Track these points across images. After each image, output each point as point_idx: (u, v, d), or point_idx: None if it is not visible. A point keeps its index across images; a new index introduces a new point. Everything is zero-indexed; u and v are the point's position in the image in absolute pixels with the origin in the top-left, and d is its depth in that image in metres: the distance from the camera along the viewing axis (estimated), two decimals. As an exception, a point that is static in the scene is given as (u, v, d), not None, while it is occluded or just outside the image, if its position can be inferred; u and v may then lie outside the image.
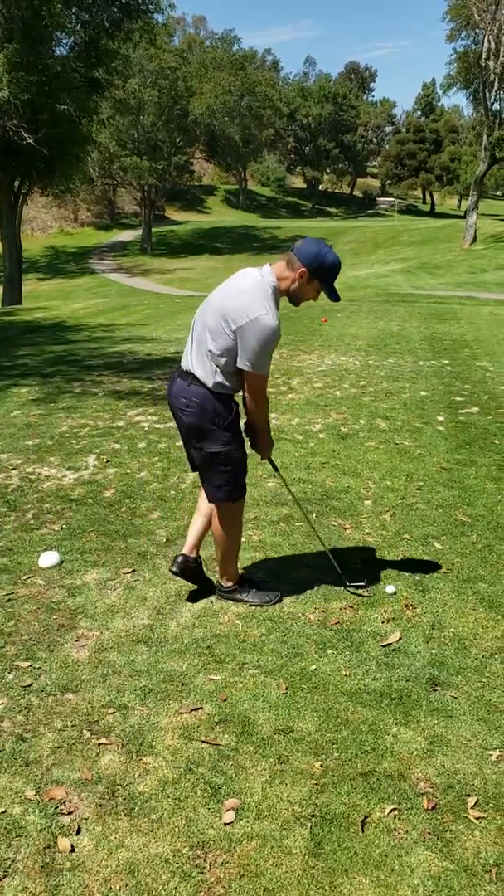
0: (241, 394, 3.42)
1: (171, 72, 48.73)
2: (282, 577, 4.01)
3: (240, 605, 3.71)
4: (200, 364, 3.31)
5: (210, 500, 3.60)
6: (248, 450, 3.56)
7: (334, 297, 3.29)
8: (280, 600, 3.74)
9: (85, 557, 4.24)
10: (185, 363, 3.41)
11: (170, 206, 73.50)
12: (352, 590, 3.83)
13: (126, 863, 2.24)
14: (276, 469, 3.90)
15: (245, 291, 3.20)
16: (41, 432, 6.83)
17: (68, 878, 2.19)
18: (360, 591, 3.82)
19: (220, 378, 3.28)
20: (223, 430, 3.37)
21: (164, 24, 38.72)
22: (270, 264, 3.28)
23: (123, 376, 9.58)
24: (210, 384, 3.29)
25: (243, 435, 3.52)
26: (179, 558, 3.72)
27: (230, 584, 3.75)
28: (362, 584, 3.85)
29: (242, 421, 3.50)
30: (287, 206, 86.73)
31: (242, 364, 3.20)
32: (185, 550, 3.75)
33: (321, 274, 3.22)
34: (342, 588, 3.86)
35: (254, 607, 3.69)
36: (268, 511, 4.87)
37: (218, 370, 3.27)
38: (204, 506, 3.74)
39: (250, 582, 3.86)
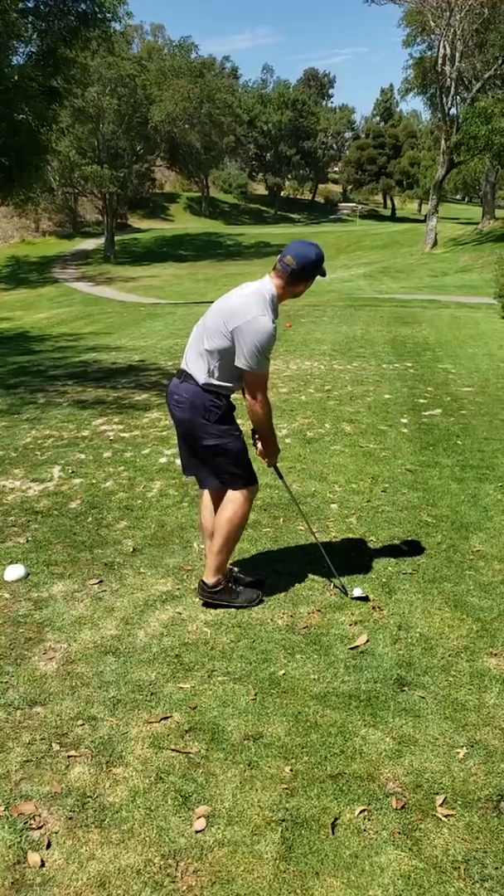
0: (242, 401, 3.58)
1: (130, 79, 48.51)
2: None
3: (208, 612, 3.72)
4: (195, 362, 3.49)
5: (216, 489, 3.73)
6: (254, 455, 3.70)
7: (323, 274, 3.53)
8: (262, 601, 3.79)
9: (51, 569, 4.22)
10: (183, 363, 3.59)
11: (132, 213, 73.26)
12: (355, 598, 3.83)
13: (97, 875, 2.23)
14: (280, 477, 3.95)
15: (244, 296, 3.42)
16: (4, 444, 6.77)
17: (38, 893, 2.17)
18: (362, 596, 3.83)
19: (213, 376, 3.45)
20: (214, 424, 3.51)
21: (121, 32, 38.57)
22: (270, 276, 3.47)
23: (88, 385, 9.54)
24: (202, 381, 3.45)
25: (239, 428, 3.63)
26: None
27: (215, 580, 3.72)
28: (364, 596, 3.83)
29: (249, 426, 3.65)
30: (250, 212, 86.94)
31: (241, 363, 3.36)
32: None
33: (313, 271, 3.44)
34: (338, 596, 3.89)
35: (224, 611, 3.70)
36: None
37: (212, 368, 3.44)
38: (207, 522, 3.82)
39: (236, 581, 3.93)
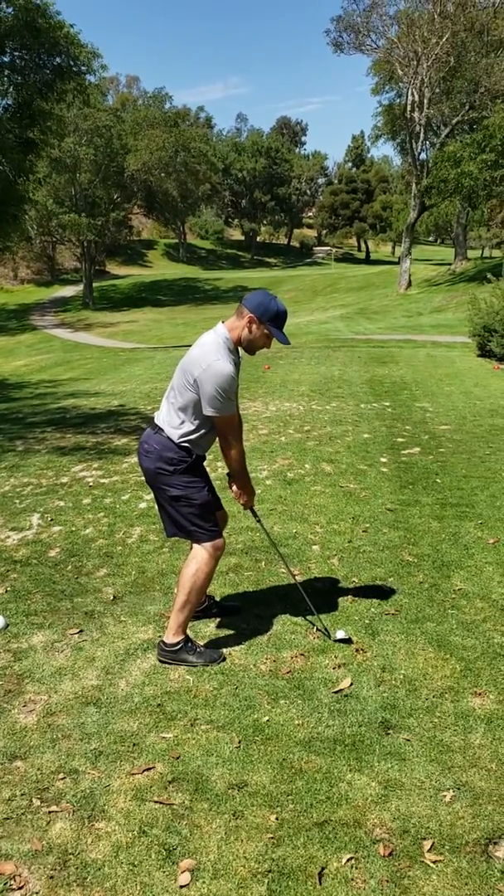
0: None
1: (106, 130, 49.41)
2: (232, 627, 3.99)
3: (190, 659, 3.67)
4: (168, 418, 3.56)
5: (169, 535, 3.79)
6: (230, 497, 3.71)
7: (283, 340, 3.49)
8: (224, 659, 3.66)
9: (31, 620, 4.16)
10: (157, 419, 3.64)
11: (110, 260, 74.01)
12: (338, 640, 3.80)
13: (79, 936, 2.17)
14: (258, 520, 3.94)
15: (200, 346, 3.47)
16: (-16, 493, 6.71)
17: None
18: (345, 638, 3.80)
19: (185, 431, 3.50)
20: (179, 475, 3.54)
21: (97, 84, 39.31)
22: (223, 321, 3.51)
23: (67, 432, 9.53)
24: (175, 437, 3.51)
25: (207, 480, 3.68)
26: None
27: (176, 639, 3.63)
28: (347, 638, 3.79)
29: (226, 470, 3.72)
30: (227, 257, 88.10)
31: (207, 411, 3.41)
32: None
33: (268, 318, 3.43)
34: (321, 639, 3.86)
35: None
36: (216, 561, 4.85)
37: (184, 424, 3.50)
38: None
39: (213, 605, 4.06)
